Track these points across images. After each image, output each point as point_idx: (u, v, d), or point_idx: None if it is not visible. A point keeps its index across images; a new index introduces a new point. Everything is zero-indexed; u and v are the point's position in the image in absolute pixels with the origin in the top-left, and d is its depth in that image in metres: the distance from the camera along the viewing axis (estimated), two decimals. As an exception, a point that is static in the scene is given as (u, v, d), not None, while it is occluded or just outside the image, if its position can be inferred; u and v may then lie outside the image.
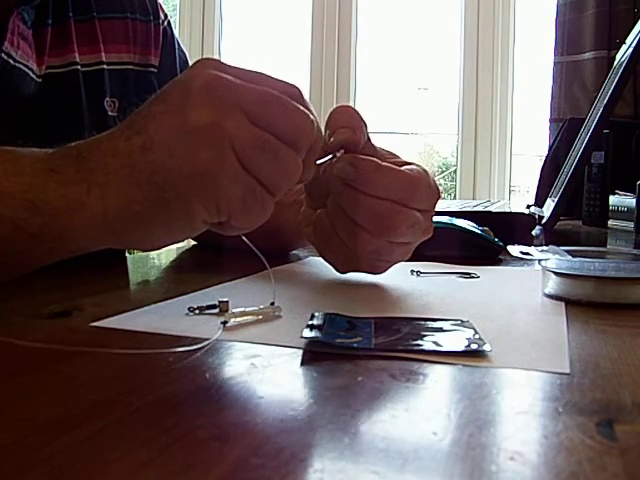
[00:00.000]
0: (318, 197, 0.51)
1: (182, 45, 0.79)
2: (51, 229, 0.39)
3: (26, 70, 0.60)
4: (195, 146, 0.37)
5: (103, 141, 0.40)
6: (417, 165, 0.49)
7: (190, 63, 0.78)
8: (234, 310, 0.39)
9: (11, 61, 0.59)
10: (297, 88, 0.41)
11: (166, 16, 0.76)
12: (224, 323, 0.37)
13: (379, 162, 0.46)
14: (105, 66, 0.68)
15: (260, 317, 0.39)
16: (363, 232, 0.47)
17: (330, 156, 0.46)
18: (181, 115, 0.38)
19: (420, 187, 0.47)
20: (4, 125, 0.60)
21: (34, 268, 0.42)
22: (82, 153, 0.40)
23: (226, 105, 0.38)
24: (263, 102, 0.38)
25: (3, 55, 0.58)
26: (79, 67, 0.65)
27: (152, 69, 0.73)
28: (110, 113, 0.68)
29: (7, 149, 0.41)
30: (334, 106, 0.49)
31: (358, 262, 0.50)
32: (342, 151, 0.47)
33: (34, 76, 0.61)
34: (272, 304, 0.40)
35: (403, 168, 0.48)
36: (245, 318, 0.38)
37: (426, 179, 0.48)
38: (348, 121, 0.48)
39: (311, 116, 0.40)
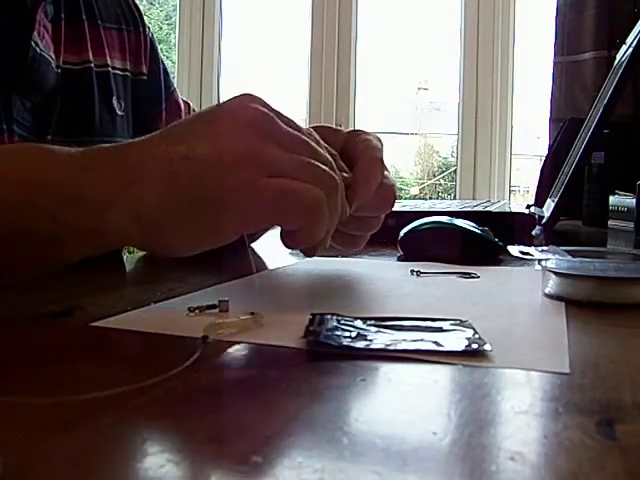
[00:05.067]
0: None
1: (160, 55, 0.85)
2: (84, 222, 0.40)
3: (49, 59, 0.64)
4: (233, 162, 0.39)
5: (139, 145, 0.42)
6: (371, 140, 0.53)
7: (167, 70, 0.84)
8: (213, 322, 0.36)
9: (38, 49, 0.62)
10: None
11: (149, 28, 0.82)
12: (204, 339, 0.34)
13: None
14: (110, 69, 0.73)
15: (242, 327, 0.36)
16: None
17: None
18: (224, 138, 0.40)
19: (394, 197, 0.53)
20: (32, 114, 0.64)
21: (62, 264, 0.43)
22: (117, 154, 0.41)
23: (268, 139, 0.40)
24: (300, 143, 0.42)
25: (32, 43, 0.61)
26: (92, 66, 0.70)
27: (143, 77, 0.78)
28: (119, 112, 0.73)
29: (41, 145, 0.43)
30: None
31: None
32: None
33: (54, 66, 0.65)
34: (252, 314, 0.37)
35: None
36: (226, 330, 0.35)
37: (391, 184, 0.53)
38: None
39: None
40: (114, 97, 0.72)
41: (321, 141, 0.45)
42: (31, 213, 0.39)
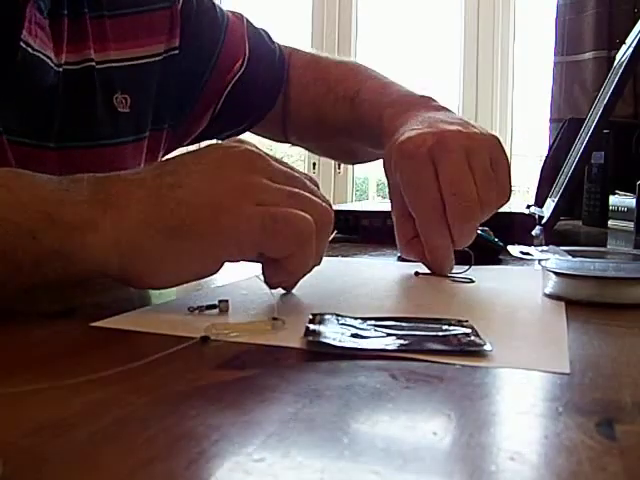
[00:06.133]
0: None
1: (217, 10, 0.76)
2: (64, 244, 0.38)
3: (45, 59, 0.60)
4: (222, 191, 0.40)
5: (125, 176, 0.42)
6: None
7: (225, 23, 0.77)
8: (219, 321, 0.37)
9: (30, 49, 0.59)
10: (315, 180, 0.46)
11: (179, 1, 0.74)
12: (205, 339, 0.34)
13: None
14: (114, 63, 0.68)
15: (252, 332, 0.36)
16: None
17: None
18: (215, 171, 0.41)
19: None
20: (28, 118, 0.61)
21: (40, 285, 0.41)
22: (99, 180, 0.41)
23: (258, 172, 0.41)
24: (291, 178, 0.42)
25: (22, 44, 0.58)
26: (94, 64, 0.65)
27: (174, 52, 0.72)
28: (121, 110, 0.68)
29: (19, 170, 0.42)
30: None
31: None
32: None
33: (53, 65, 0.61)
34: (274, 319, 0.38)
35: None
36: (234, 333, 0.35)
37: None
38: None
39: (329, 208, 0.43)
40: (116, 94, 0.68)
41: (317, 189, 0.45)
42: (11, 232, 0.38)
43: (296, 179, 0.43)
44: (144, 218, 0.39)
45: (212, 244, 0.39)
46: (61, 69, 0.62)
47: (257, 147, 0.43)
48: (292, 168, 0.44)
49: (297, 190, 0.41)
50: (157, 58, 0.71)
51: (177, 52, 0.72)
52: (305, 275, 0.44)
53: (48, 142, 0.62)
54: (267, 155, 0.43)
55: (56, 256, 0.38)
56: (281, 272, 0.42)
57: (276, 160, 0.43)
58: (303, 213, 0.40)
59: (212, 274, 0.41)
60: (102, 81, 0.67)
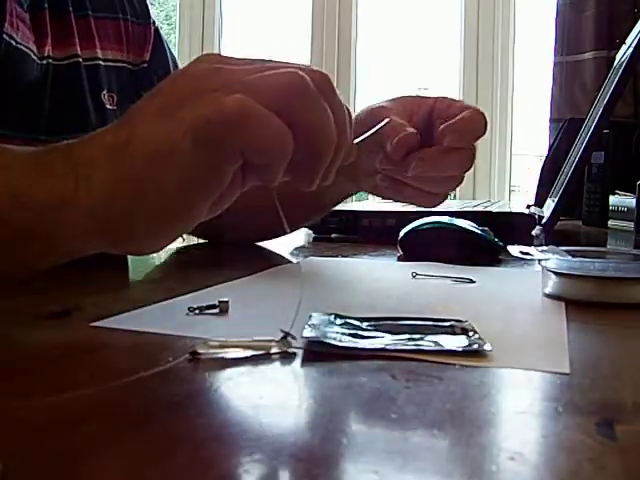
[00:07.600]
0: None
1: (171, 50, 0.82)
2: (39, 225, 0.37)
3: (27, 52, 0.60)
4: (170, 130, 0.35)
5: (95, 136, 0.39)
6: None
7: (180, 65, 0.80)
8: (214, 341, 0.32)
9: (13, 42, 0.59)
10: (325, 74, 0.37)
11: (154, 21, 0.79)
12: (194, 354, 0.31)
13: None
14: (101, 62, 0.69)
15: (250, 350, 0.32)
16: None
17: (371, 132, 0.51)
18: (163, 109, 0.36)
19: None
20: (15, 111, 0.60)
21: (29, 270, 0.40)
22: (72, 148, 0.39)
23: (210, 90, 0.35)
24: (266, 86, 0.35)
25: (5, 37, 0.58)
26: (80, 60, 0.66)
27: (144, 65, 0.76)
28: (109, 106, 0.70)
29: None
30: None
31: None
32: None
33: (35, 58, 0.61)
34: (285, 336, 0.32)
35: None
36: (227, 350, 0.32)
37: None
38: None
39: (328, 110, 0.35)
40: (104, 91, 0.69)
41: None
42: None
43: (273, 80, 0.35)
44: (109, 186, 0.36)
45: (177, 194, 0.35)
46: (44, 62, 0.62)
47: (219, 55, 0.38)
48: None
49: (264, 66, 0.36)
50: (130, 67, 0.74)
51: (146, 66, 0.76)
52: (336, 162, 0.37)
53: (38, 135, 0.62)
54: (233, 60, 0.38)
55: (32, 238, 0.37)
56: (302, 153, 0.35)
57: (245, 60, 0.38)
58: (287, 70, 0.35)
59: (198, 220, 0.38)
60: (90, 77, 0.68)
